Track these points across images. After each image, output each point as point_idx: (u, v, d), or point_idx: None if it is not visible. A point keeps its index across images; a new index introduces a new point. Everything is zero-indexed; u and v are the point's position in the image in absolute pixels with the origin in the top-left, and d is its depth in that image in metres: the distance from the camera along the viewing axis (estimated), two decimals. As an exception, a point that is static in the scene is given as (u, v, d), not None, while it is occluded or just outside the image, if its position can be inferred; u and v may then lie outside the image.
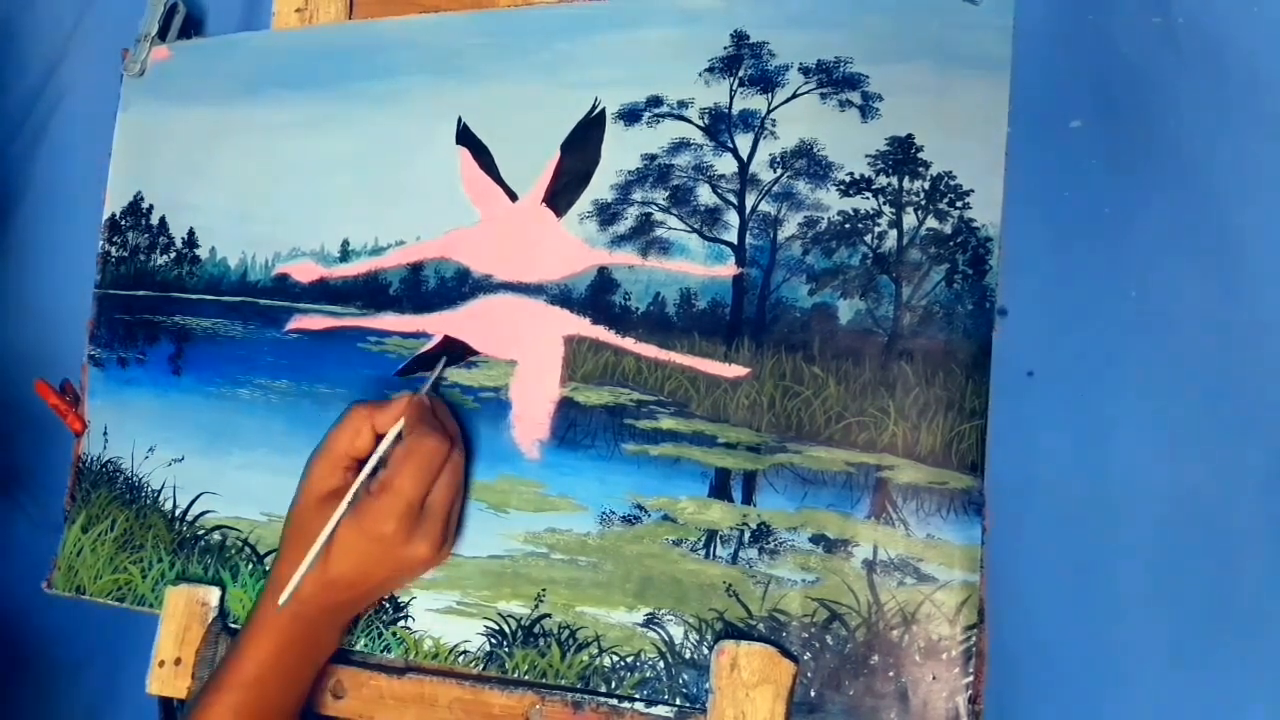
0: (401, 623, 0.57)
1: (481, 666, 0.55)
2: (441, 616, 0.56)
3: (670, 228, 0.56)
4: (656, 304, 0.55)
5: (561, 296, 0.57)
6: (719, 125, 0.55)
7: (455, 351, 0.58)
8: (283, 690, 0.53)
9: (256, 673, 0.52)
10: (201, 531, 0.64)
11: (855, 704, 0.48)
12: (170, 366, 0.68)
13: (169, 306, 0.68)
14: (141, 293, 0.70)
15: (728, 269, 0.54)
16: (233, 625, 0.61)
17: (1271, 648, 0.53)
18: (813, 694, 0.49)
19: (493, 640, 0.55)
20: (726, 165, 0.55)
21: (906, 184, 0.51)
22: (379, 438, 0.53)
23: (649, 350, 0.55)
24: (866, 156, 0.52)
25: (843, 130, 0.53)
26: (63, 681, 0.79)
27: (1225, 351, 0.56)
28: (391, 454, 0.52)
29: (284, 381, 0.64)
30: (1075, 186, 0.59)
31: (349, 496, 0.52)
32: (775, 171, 0.54)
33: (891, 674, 0.48)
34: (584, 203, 0.58)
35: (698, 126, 0.56)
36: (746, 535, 0.52)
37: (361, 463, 0.53)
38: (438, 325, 0.60)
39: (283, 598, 0.51)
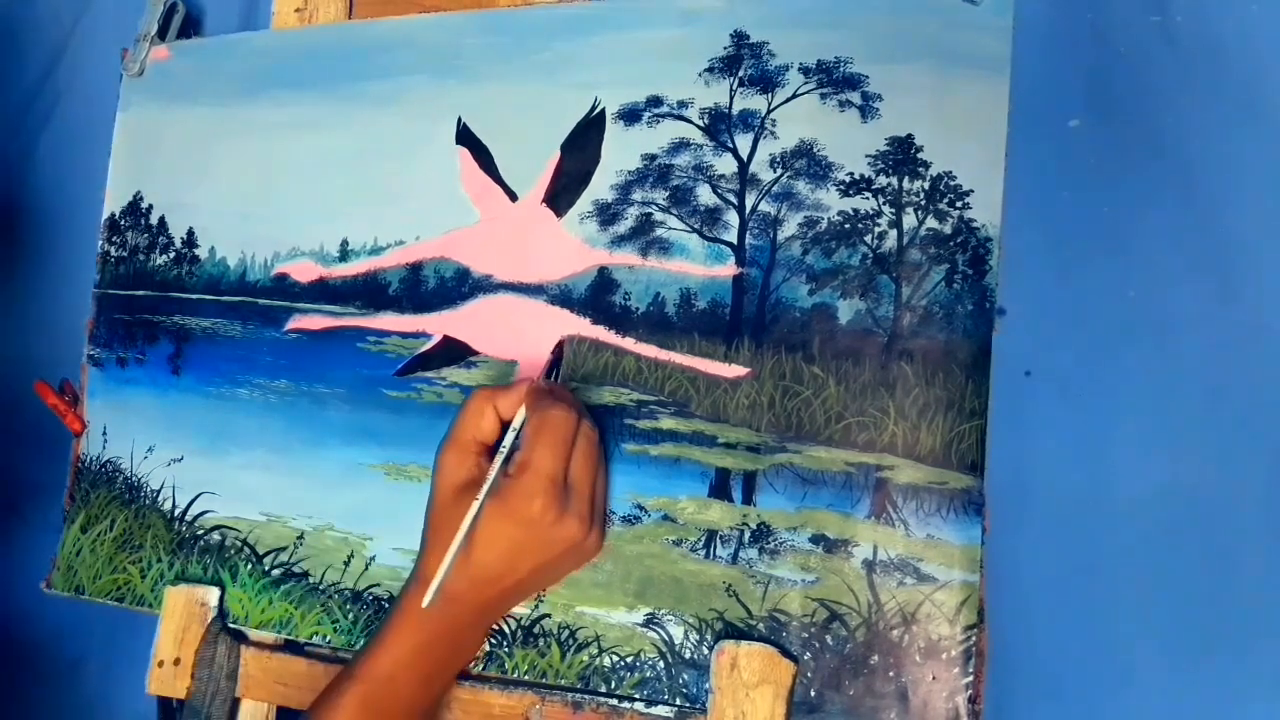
0: (401, 623, 0.57)
1: (481, 666, 0.55)
2: (441, 616, 0.56)
3: (670, 228, 0.56)
4: (656, 304, 0.55)
5: (561, 297, 0.57)
6: (719, 125, 0.55)
7: (554, 356, 0.56)
8: (415, 690, 0.51)
9: (390, 669, 0.50)
10: (201, 531, 0.64)
11: (855, 704, 0.48)
12: (169, 366, 0.68)
13: (168, 306, 0.68)
14: (141, 292, 0.69)
15: (727, 269, 0.54)
16: (232, 625, 0.61)
17: (1271, 648, 0.53)
18: (813, 694, 0.49)
19: (492, 640, 0.55)
20: (726, 165, 0.55)
21: (906, 184, 0.51)
22: (504, 423, 0.51)
23: (649, 350, 0.55)
24: (866, 156, 0.52)
25: (843, 130, 0.53)
26: (62, 681, 0.79)
27: (1225, 351, 0.56)
28: (522, 434, 0.50)
29: (283, 381, 0.64)
30: (1074, 186, 0.59)
31: (489, 481, 0.49)
32: (775, 171, 0.54)
33: (891, 674, 0.48)
34: (584, 203, 0.58)
35: (698, 126, 0.56)
36: (746, 535, 0.52)
37: (491, 448, 0.52)
38: (437, 325, 0.60)
39: (427, 597, 0.48)
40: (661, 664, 0.52)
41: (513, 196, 0.60)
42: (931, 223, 0.51)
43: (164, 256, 0.69)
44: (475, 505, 0.49)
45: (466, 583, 0.49)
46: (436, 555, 0.50)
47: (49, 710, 0.80)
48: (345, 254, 0.63)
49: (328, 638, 0.59)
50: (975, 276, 0.49)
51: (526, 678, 0.54)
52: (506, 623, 0.55)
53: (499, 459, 0.50)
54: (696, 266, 0.55)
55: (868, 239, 0.52)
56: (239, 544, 0.63)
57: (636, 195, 0.57)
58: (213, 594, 0.62)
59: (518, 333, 0.58)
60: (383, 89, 0.64)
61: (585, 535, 0.50)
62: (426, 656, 0.51)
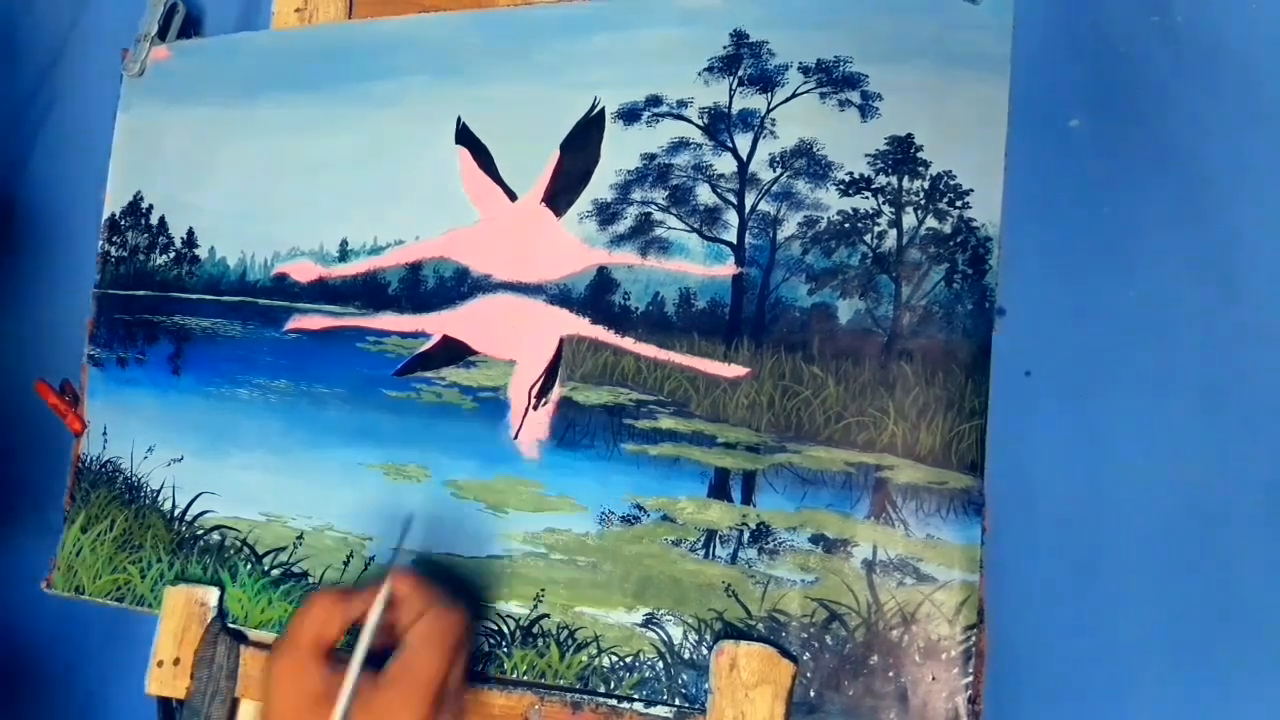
0: (400, 623, 0.57)
1: (480, 666, 0.55)
2: (440, 616, 0.56)
3: (670, 227, 0.56)
4: (656, 304, 0.55)
5: (561, 296, 0.57)
6: (718, 125, 0.55)
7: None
8: None
9: None
10: (200, 531, 0.64)
11: (855, 704, 0.48)
12: (170, 366, 0.68)
13: (168, 306, 0.68)
14: (141, 293, 0.70)
15: (727, 269, 0.54)
16: (231, 625, 0.61)
17: (1271, 648, 0.53)
18: (812, 694, 0.49)
19: (491, 640, 0.55)
20: (726, 165, 0.55)
21: (906, 184, 0.51)
22: (353, 624, 0.48)
23: (648, 350, 0.55)
24: (866, 156, 0.52)
25: (842, 130, 0.53)
26: (61, 681, 0.79)
27: (1225, 351, 0.56)
28: (407, 634, 0.47)
29: (283, 381, 0.64)
30: (1074, 186, 0.59)
31: (348, 689, 0.45)
32: (775, 171, 0.54)
33: (891, 674, 0.48)
34: (583, 202, 0.57)
35: (697, 126, 0.56)
36: (746, 535, 0.52)
37: (334, 651, 0.47)
38: (437, 325, 0.60)
39: None
40: (660, 664, 0.52)
41: (512, 196, 0.60)
42: (931, 222, 0.51)
43: (164, 256, 0.69)
44: (339, 710, 0.44)
45: None
46: None
47: (49, 710, 0.80)
48: (345, 254, 0.63)
49: (327, 638, 0.59)
50: (975, 276, 0.49)
51: (525, 678, 0.54)
52: (505, 623, 0.55)
53: (356, 663, 0.45)
54: (696, 266, 0.55)
55: (867, 238, 0.52)
56: (239, 544, 0.63)
57: (636, 195, 0.56)
58: (212, 594, 0.62)
59: (517, 332, 0.58)
60: (383, 89, 0.64)
61: None
62: None
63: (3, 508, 0.81)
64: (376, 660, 0.47)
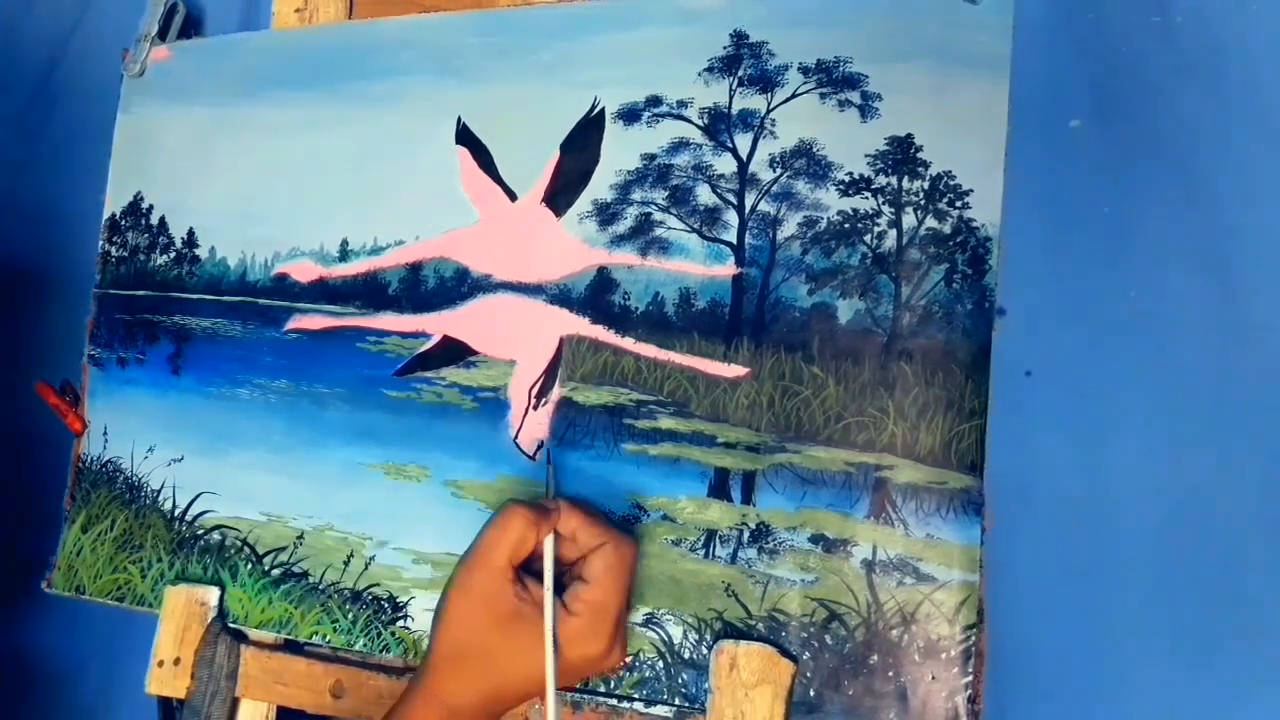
0: (401, 623, 0.57)
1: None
2: (441, 616, 0.56)
3: (670, 227, 0.56)
4: (656, 304, 0.55)
5: (561, 296, 0.57)
6: (718, 125, 0.55)
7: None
8: None
9: None
10: (201, 531, 0.64)
11: (854, 704, 0.48)
12: (170, 366, 0.68)
13: (169, 306, 0.68)
14: (141, 292, 0.70)
15: (727, 269, 0.54)
16: (232, 625, 0.61)
17: (1271, 648, 0.53)
18: (812, 694, 0.49)
19: (492, 640, 0.55)
20: (726, 165, 0.55)
21: (906, 184, 0.51)
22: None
23: (648, 350, 0.55)
24: (866, 156, 0.52)
25: (842, 130, 0.53)
26: (62, 681, 0.79)
27: (1225, 351, 0.56)
28: (587, 565, 0.48)
29: (283, 381, 0.64)
30: (1075, 186, 0.59)
31: (550, 621, 0.47)
32: (775, 171, 0.54)
33: (891, 674, 0.48)
34: (583, 202, 0.57)
35: (697, 126, 0.56)
36: (745, 535, 0.52)
37: (523, 569, 0.49)
38: (437, 325, 0.60)
39: None
40: (660, 664, 0.52)
41: (512, 196, 0.60)
42: (931, 222, 0.51)
43: (164, 256, 0.69)
44: (550, 655, 0.47)
45: (482, 700, 0.48)
46: (463, 679, 0.48)
47: (49, 710, 0.80)
48: (345, 254, 0.63)
49: (327, 637, 0.59)
50: (975, 276, 0.49)
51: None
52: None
53: (549, 596, 0.48)
54: (696, 266, 0.55)
55: (867, 239, 0.52)
56: (239, 544, 0.63)
57: (636, 195, 0.56)
58: (213, 594, 0.62)
59: (517, 332, 0.58)
60: (383, 89, 0.64)
61: (624, 658, 0.51)
62: None
63: (3, 508, 0.81)
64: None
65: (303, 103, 0.66)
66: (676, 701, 0.51)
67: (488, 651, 0.48)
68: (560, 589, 0.49)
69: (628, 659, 0.52)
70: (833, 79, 0.53)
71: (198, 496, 0.65)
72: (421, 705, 0.48)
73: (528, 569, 0.49)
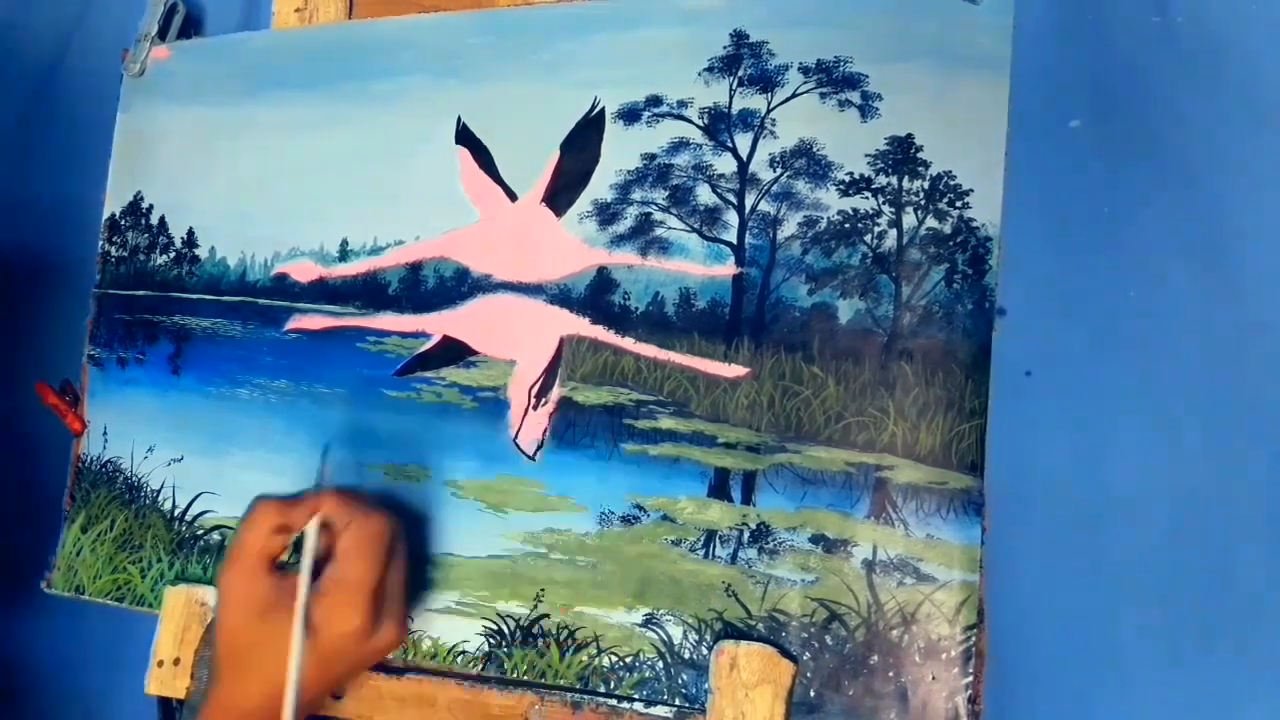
0: (401, 623, 0.57)
1: (480, 667, 0.55)
2: (440, 616, 0.56)
3: (670, 227, 0.56)
4: (656, 304, 0.55)
5: (561, 296, 0.57)
6: (718, 125, 0.55)
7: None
8: None
9: None
10: (201, 531, 0.64)
11: (855, 704, 0.48)
12: (170, 366, 0.68)
13: (168, 306, 0.68)
14: (141, 292, 0.70)
15: (727, 269, 0.54)
16: (232, 625, 0.61)
17: (1270, 648, 0.53)
18: (812, 694, 0.49)
19: (491, 640, 0.55)
20: (726, 165, 0.55)
21: (906, 184, 0.51)
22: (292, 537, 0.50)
23: (648, 350, 0.55)
24: (866, 156, 0.52)
25: (842, 130, 0.53)
26: (62, 681, 0.79)
27: (1225, 351, 0.56)
28: (337, 545, 0.49)
29: (283, 381, 0.64)
30: (1075, 186, 0.59)
31: (302, 601, 0.47)
32: (775, 171, 0.54)
33: (891, 674, 0.48)
34: (583, 202, 0.57)
35: (697, 126, 0.56)
36: (746, 535, 0.52)
37: (281, 564, 0.50)
38: (437, 325, 0.60)
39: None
40: (660, 664, 0.52)
41: (512, 196, 0.60)
42: (931, 222, 0.51)
43: (164, 256, 0.69)
44: (298, 633, 0.47)
45: (268, 700, 0.47)
46: (238, 680, 0.48)
47: (49, 710, 0.80)
48: (345, 254, 0.63)
49: (327, 638, 0.59)
50: (975, 276, 0.49)
51: (525, 678, 0.54)
52: (506, 623, 0.55)
53: (304, 579, 0.48)
54: (696, 266, 0.55)
55: (867, 239, 0.52)
56: (239, 544, 0.63)
57: (636, 195, 0.56)
58: (212, 594, 0.62)
59: (517, 332, 0.58)
60: (383, 89, 0.64)
61: (399, 635, 0.50)
62: None
63: (3, 508, 0.81)
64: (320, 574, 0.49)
65: (303, 103, 0.66)
66: (677, 702, 0.51)
67: (256, 647, 0.48)
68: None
69: (407, 637, 0.53)
70: (833, 79, 0.53)
71: (198, 496, 0.65)
72: (211, 712, 0.49)
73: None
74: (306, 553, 0.49)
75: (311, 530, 0.49)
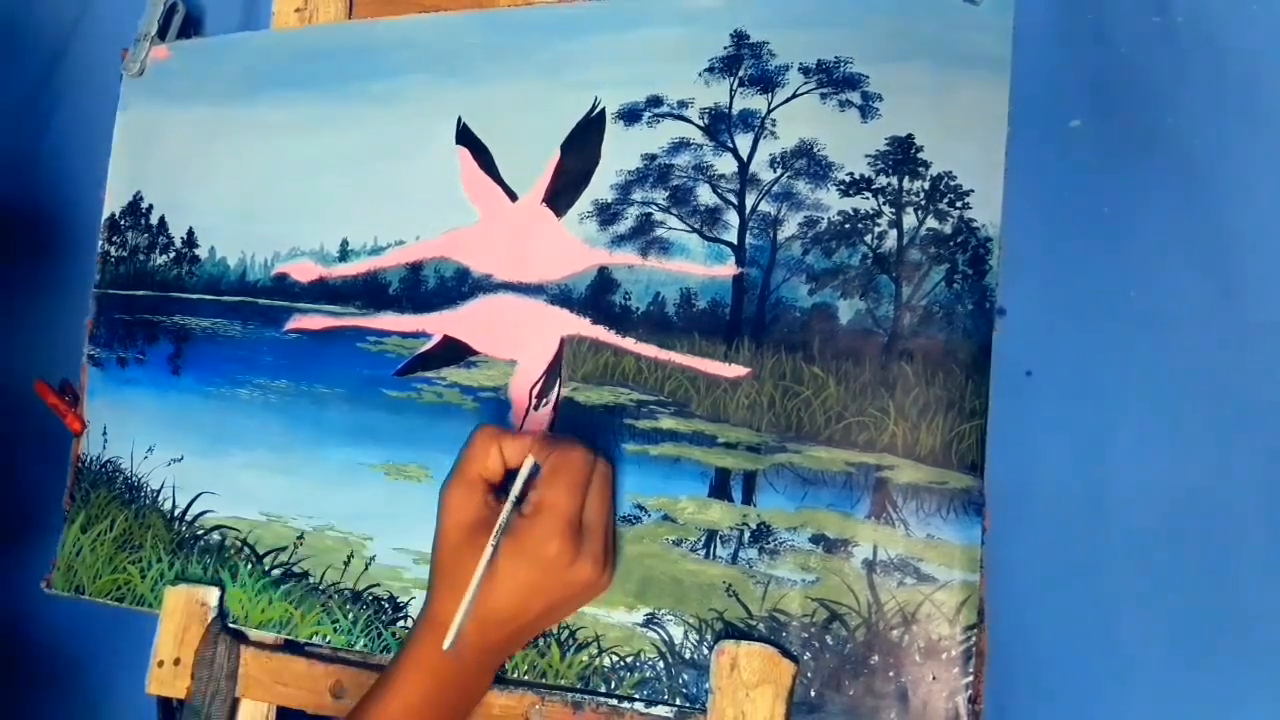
0: (402, 623, 0.57)
1: (481, 666, 0.55)
2: (441, 616, 0.56)
3: (670, 228, 0.56)
4: (656, 304, 0.55)
5: (561, 296, 0.57)
6: (719, 125, 0.55)
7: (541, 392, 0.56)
8: None
9: (403, 712, 0.49)
10: (201, 531, 0.64)
11: (855, 704, 0.48)
12: (170, 366, 0.68)
13: (168, 306, 0.68)
14: (141, 292, 0.69)
15: (728, 269, 0.54)
16: (232, 625, 0.61)
17: (1270, 648, 0.53)
18: (813, 694, 0.49)
19: (492, 640, 0.55)
20: (726, 165, 0.55)
21: (906, 184, 0.51)
22: (508, 467, 0.51)
23: (649, 350, 0.55)
24: (866, 156, 0.52)
25: (843, 130, 0.53)
26: (62, 681, 0.79)
27: (1225, 351, 0.56)
28: (537, 476, 0.50)
29: (283, 381, 0.64)
30: (1075, 186, 0.59)
31: (501, 521, 0.49)
32: (775, 171, 0.54)
33: (891, 674, 0.48)
34: (584, 203, 0.57)
35: (698, 126, 0.56)
36: (746, 535, 0.52)
37: (497, 486, 0.51)
38: (437, 325, 0.60)
39: (448, 640, 0.47)
40: (661, 664, 0.52)
41: (513, 196, 0.60)
42: (931, 223, 0.51)
43: (164, 256, 0.69)
44: (490, 547, 0.48)
45: (476, 624, 0.49)
46: (449, 596, 0.49)
47: (49, 710, 0.80)
48: (345, 254, 0.63)
49: (328, 638, 0.59)
50: (975, 276, 0.49)
51: (526, 678, 0.54)
52: (506, 623, 0.55)
53: (511, 499, 0.50)
54: (696, 266, 0.55)
55: (868, 239, 0.52)
56: (239, 544, 0.63)
57: (636, 195, 0.56)
58: (213, 594, 0.62)
59: (518, 332, 0.58)
60: (383, 89, 0.64)
61: (599, 576, 0.50)
62: (437, 701, 0.50)
63: (3, 508, 0.81)
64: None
65: (303, 103, 0.66)
66: (677, 702, 0.51)
67: (464, 564, 0.49)
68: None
69: (609, 580, 0.52)
70: (833, 79, 0.53)
71: (197, 496, 0.65)
72: (425, 630, 0.50)
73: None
74: (518, 480, 0.50)
75: (527, 463, 0.50)
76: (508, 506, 0.49)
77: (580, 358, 0.56)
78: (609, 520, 0.52)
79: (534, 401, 0.57)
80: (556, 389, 0.57)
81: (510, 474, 0.51)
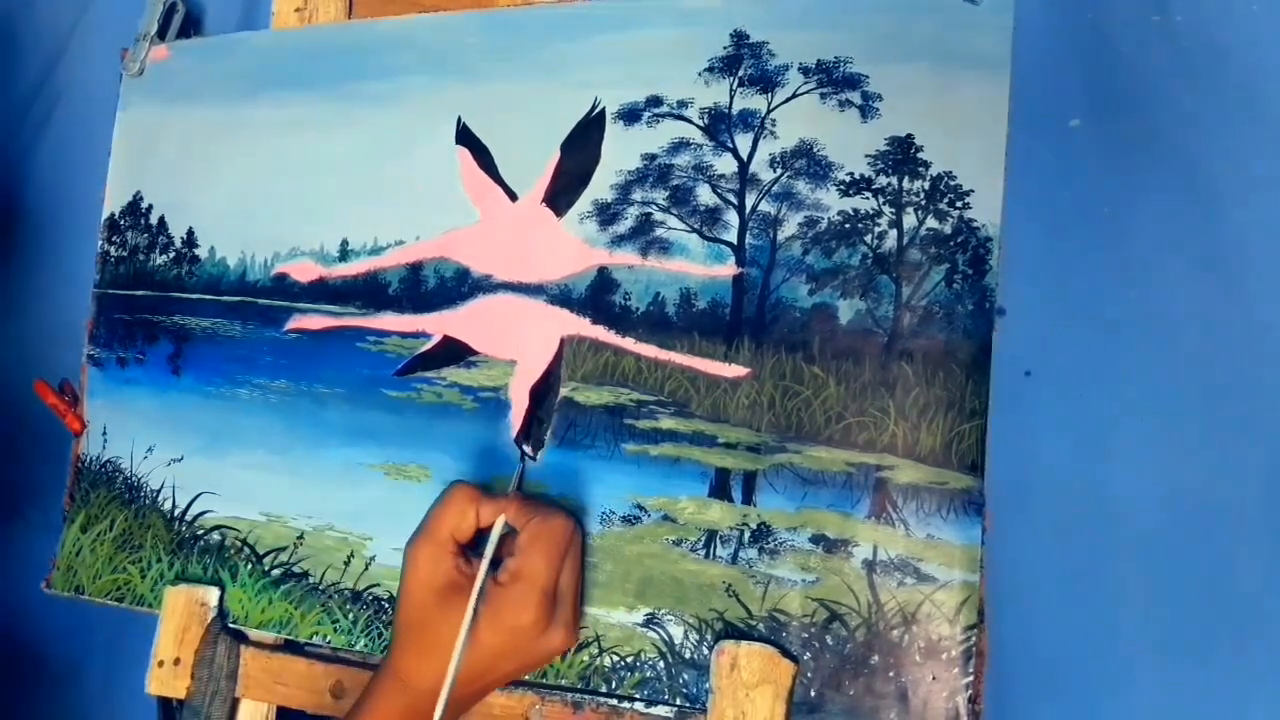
0: (401, 623, 0.57)
1: (481, 666, 0.55)
2: (441, 616, 0.56)
3: (670, 228, 0.56)
4: (656, 304, 0.55)
5: (561, 296, 0.57)
6: (719, 125, 0.55)
7: (521, 466, 0.56)
8: None
9: None
10: (201, 531, 0.64)
11: (855, 704, 0.48)
12: (169, 366, 0.68)
13: (168, 306, 0.68)
14: (141, 292, 0.69)
15: (727, 269, 0.54)
16: (232, 625, 0.61)
17: (1270, 648, 0.53)
18: (813, 694, 0.49)
19: (492, 640, 0.55)
20: (726, 165, 0.55)
21: (906, 184, 0.51)
22: (480, 527, 0.51)
23: (649, 350, 0.55)
24: (866, 156, 0.52)
25: (843, 130, 0.53)
26: (62, 681, 0.79)
27: (1225, 351, 0.56)
28: (514, 540, 0.50)
29: (283, 381, 0.64)
30: (1075, 186, 0.59)
31: (478, 587, 0.49)
32: (775, 171, 0.54)
33: (891, 674, 0.48)
34: (584, 203, 0.57)
35: (697, 126, 0.56)
36: (746, 535, 0.52)
37: (465, 547, 0.51)
38: (437, 325, 0.60)
39: (436, 715, 0.47)
40: (661, 664, 0.52)
41: (513, 196, 0.60)
42: (931, 223, 0.51)
43: (164, 256, 0.69)
44: (468, 616, 0.48)
45: (438, 680, 0.48)
46: (414, 652, 0.50)
47: (50, 710, 0.80)
48: (345, 254, 0.63)
49: (328, 638, 0.59)
50: (975, 276, 0.49)
51: (526, 678, 0.54)
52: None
53: (485, 563, 0.49)
54: (696, 266, 0.55)
55: (868, 239, 0.52)
56: (239, 544, 0.63)
57: (636, 195, 0.56)
58: (213, 594, 0.62)
59: (517, 332, 0.58)
60: (383, 89, 0.64)
61: (569, 642, 0.51)
62: None
63: (3, 508, 0.81)
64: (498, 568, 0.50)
65: (303, 103, 0.66)
66: (677, 702, 0.51)
67: (432, 625, 0.49)
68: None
69: (576, 640, 0.52)
70: (833, 79, 0.53)
71: (197, 496, 0.65)
72: (387, 682, 0.50)
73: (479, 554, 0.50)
74: (490, 543, 0.50)
75: (498, 524, 0.50)
76: (482, 572, 0.49)
77: (580, 358, 0.56)
78: (580, 587, 0.52)
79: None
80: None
81: (481, 533, 0.51)
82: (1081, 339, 0.58)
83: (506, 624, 0.48)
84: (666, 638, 0.52)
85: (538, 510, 0.50)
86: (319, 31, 0.67)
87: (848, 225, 0.52)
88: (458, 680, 0.48)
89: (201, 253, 0.68)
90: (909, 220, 0.51)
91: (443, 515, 0.51)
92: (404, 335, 0.61)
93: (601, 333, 0.56)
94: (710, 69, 0.56)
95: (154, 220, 0.70)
